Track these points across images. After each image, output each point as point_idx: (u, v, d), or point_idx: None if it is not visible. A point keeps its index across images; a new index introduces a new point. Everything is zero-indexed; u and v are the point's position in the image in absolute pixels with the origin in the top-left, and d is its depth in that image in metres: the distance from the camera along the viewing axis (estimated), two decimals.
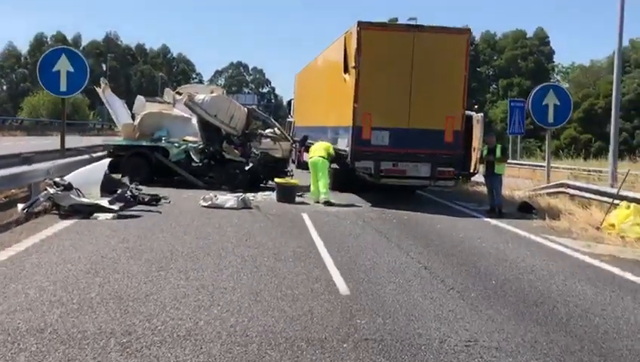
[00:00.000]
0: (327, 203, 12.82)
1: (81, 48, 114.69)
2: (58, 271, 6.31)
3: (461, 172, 18.08)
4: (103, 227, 8.97)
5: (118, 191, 11.03)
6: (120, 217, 9.84)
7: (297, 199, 13.34)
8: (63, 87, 14.17)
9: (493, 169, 13.02)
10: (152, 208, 11.06)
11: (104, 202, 9.93)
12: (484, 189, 16.34)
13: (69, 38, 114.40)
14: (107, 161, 10.78)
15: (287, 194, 13.10)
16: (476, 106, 20.99)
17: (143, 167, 15.04)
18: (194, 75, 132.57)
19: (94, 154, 14.64)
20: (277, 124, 16.34)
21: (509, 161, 33.24)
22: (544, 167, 27.02)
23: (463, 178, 18.63)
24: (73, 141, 20.60)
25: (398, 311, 5.57)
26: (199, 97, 15.02)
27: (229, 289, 5.96)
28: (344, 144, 14.22)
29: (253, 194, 13.89)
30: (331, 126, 15.96)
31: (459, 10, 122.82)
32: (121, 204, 10.11)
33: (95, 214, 9.74)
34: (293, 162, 25.25)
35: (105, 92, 17.50)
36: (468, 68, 13.66)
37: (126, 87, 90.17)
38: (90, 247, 7.57)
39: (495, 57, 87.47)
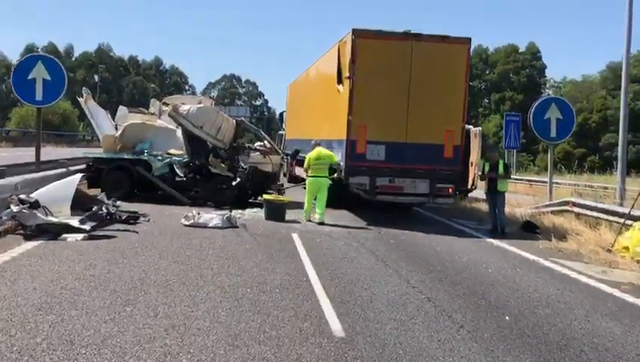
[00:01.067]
0: (321, 223, 12.00)
1: (73, 59, 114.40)
2: (4, 306, 5.41)
3: (460, 189, 17.45)
4: (70, 250, 8.08)
5: (93, 209, 10.17)
6: (92, 238, 8.95)
7: (288, 217, 12.51)
8: (39, 96, 13.30)
9: (496, 186, 12.25)
10: (129, 227, 10.18)
11: (74, 221, 9.04)
12: (482, 206, 15.64)
13: (61, 49, 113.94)
14: (79, 176, 9.92)
15: (277, 212, 12.26)
16: (474, 120, 20.18)
17: (124, 182, 14.17)
18: (187, 87, 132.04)
19: (72, 168, 13.70)
20: (267, 136, 15.52)
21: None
22: (542, 182, 26.58)
23: (461, 194, 17.92)
24: (59, 153, 19.63)
25: (401, 358, 4.73)
26: (184, 108, 14.19)
27: (204, 330, 5.10)
28: (337, 158, 13.40)
29: (240, 211, 13.06)
30: (324, 139, 15.08)
31: (450, 24, 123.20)
32: (93, 224, 9.22)
33: (64, 235, 8.85)
34: (285, 175, 24.48)
35: (87, 102, 16.63)
36: (468, 79, 12.93)
37: (118, 99, 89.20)
38: (50, 275, 6.68)
39: (487, 71, 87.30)
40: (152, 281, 6.67)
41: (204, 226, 10.70)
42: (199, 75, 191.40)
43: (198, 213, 11.31)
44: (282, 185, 15.60)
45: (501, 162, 12.53)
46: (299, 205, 15.08)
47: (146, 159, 14.26)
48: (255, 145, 15.36)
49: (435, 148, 12.73)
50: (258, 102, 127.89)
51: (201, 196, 14.19)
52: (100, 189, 14.23)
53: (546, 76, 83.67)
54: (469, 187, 18.17)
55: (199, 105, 14.35)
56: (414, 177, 12.83)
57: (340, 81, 13.35)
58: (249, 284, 6.79)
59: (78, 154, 18.90)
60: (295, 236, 10.34)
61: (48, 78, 13.29)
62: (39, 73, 13.27)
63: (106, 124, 16.54)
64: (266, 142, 15.16)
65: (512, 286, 7.54)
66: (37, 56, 13.35)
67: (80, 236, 8.87)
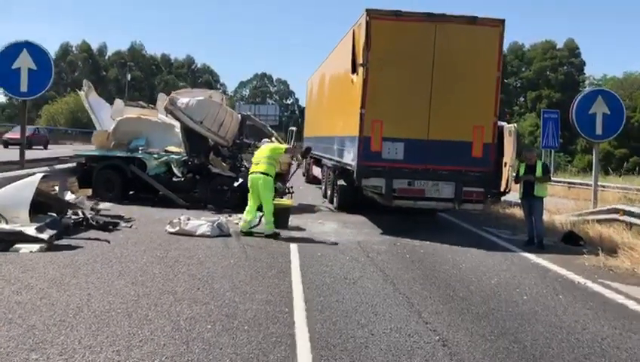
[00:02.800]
0: (270, 236, 9.68)
1: (106, 58, 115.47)
2: None
3: (491, 192, 15.73)
4: (12, 265, 6.74)
5: (58, 215, 8.85)
6: (51, 249, 7.63)
7: (295, 222, 11.04)
8: (24, 88, 12.15)
9: (533, 190, 10.51)
10: (103, 235, 8.84)
11: (30, 229, 7.69)
12: (518, 212, 13.90)
13: (94, 47, 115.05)
14: (38, 176, 8.60)
15: (278, 218, 10.73)
16: (508, 116, 18.37)
17: (116, 182, 12.92)
18: (218, 86, 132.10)
19: (58, 166, 12.47)
20: (274, 133, 14.04)
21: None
22: (583, 185, 24.50)
23: (494, 198, 16.18)
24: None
25: None
26: (182, 101, 12.82)
27: None
28: (350, 157, 11.86)
29: (240, 215, 11.60)
30: (338, 136, 13.63)
31: None
32: (53, 232, 7.86)
33: (17, 245, 7.54)
34: (304, 175, 23.03)
35: (88, 95, 15.45)
36: (501, 67, 11.21)
37: (150, 97, 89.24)
38: None
39: (523, 69, 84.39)
40: (89, 312, 5.25)
41: (191, 234, 9.30)
42: (231, 74, 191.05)
43: (188, 219, 9.91)
44: (291, 186, 14.11)
45: (539, 163, 10.78)
46: (308, 209, 13.66)
47: (141, 157, 12.96)
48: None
49: (461, 147, 11.07)
50: (289, 101, 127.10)
51: (201, 198, 12.84)
52: (90, 190, 13.15)
53: (585, 73, 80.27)
54: (502, 190, 16.48)
55: (199, 98, 12.95)
56: (437, 179, 11.19)
57: (354, 70, 11.77)
58: (213, 317, 5.31)
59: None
60: (293, 248, 8.84)
61: (34, 67, 12.12)
62: (24, 62, 12.13)
63: (108, 120, 15.30)
64: (273, 139, 13.66)
65: (553, 322, 5.88)
66: (21, 43, 12.06)
67: (36, 247, 7.55)
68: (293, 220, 11.44)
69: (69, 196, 12.80)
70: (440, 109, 10.97)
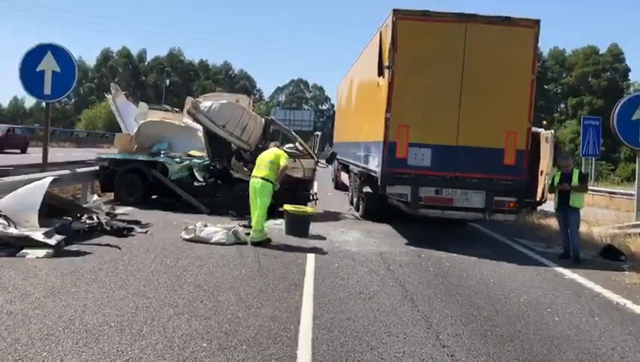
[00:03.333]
0: (256, 243, 9.14)
1: (145, 63, 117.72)
2: None
3: (526, 201, 15.03)
4: (15, 271, 6.51)
5: (69, 219, 8.64)
6: (58, 255, 7.40)
7: (318, 230, 10.65)
8: (48, 90, 12.03)
9: (569, 201, 9.84)
10: (115, 241, 8.57)
11: (37, 234, 7.47)
12: (553, 222, 13.18)
13: (134, 53, 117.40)
14: (48, 179, 8.37)
15: (298, 226, 10.37)
16: (545, 123, 17.62)
17: (138, 186, 12.72)
18: (255, 91, 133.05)
19: (79, 170, 12.34)
20: (299, 137, 13.65)
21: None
22: (626, 195, 23.35)
23: (528, 208, 15.47)
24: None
25: None
26: (205, 104, 12.55)
27: None
28: (375, 164, 11.39)
29: None
30: (364, 141, 13.17)
31: None
32: (62, 238, 7.62)
33: (24, 250, 7.33)
34: (334, 180, 22.60)
35: (116, 98, 15.36)
36: (535, 70, 10.58)
37: None
38: None
39: (564, 75, 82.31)
40: (81, 325, 4.93)
41: (206, 242, 8.97)
42: (268, 80, 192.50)
43: (205, 226, 9.61)
44: (315, 193, 13.69)
45: (576, 171, 10.10)
46: (332, 217, 13.24)
47: (162, 161, 12.74)
48: (284, 147, 13.51)
49: (493, 154, 10.47)
50: (324, 107, 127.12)
51: (223, 204, 12.54)
52: (112, 194, 13.02)
53: (629, 80, 77.71)
54: (538, 200, 15.76)
55: (222, 102, 12.67)
56: (467, 188, 10.61)
57: (380, 72, 11.30)
58: (211, 334, 4.94)
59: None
60: (310, 258, 8.42)
61: (58, 70, 12.01)
62: (49, 65, 12.02)
63: (133, 123, 15.19)
64: (297, 144, 13.29)
65: (587, 349, 5.31)
66: (46, 45, 11.99)
67: (43, 252, 7.32)
68: (315, 228, 11.03)
69: (96, 199, 12.74)
70: (470, 114, 10.41)
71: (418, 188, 10.57)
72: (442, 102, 10.47)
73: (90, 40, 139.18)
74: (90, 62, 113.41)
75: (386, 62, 10.63)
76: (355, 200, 14.93)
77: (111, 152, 13.82)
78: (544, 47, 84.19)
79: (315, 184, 22.81)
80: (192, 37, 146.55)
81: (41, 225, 8.01)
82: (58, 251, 7.47)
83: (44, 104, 13.07)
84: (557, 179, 10.10)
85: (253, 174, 9.67)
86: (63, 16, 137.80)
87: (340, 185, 20.69)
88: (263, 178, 9.43)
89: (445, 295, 6.92)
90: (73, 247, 7.92)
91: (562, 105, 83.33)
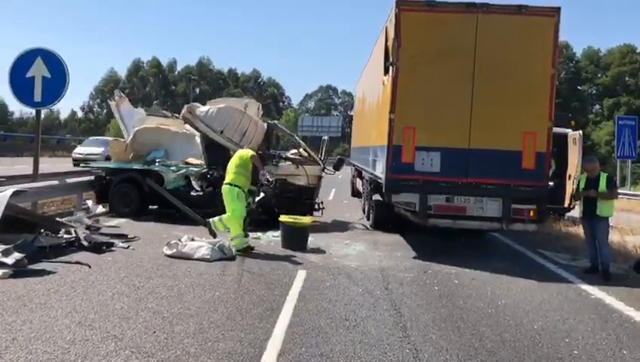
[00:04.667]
0: (240, 252, 8.73)
1: (175, 73, 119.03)
2: None
3: (553, 207, 13.93)
4: None
5: (63, 233, 7.97)
6: (18, 274, 6.70)
7: (319, 242, 9.81)
8: (38, 97, 11.50)
9: (596, 209, 8.76)
10: (92, 257, 7.90)
11: None
12: (581, 230, 12.02)
13: (164, 63, 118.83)
14: (8, 192, 7.73)
15: (295, 238, 9.52)
16: (573, 123, 16.44)
17: (133, 196, 12.04)
18: (283, 99, 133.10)
19: (69, 180, 11.73)
20: (303, 143, 12.82)
21: (622, 192, 28.06)
22: None
23: (555, 215, 14.38)
24: None
25: None
26: (202, 109, 11.85)
27: None
28: (380, 170, 10.48)
29: (259, 233, 10.52)
30: (372, 146, 12.26)
31: None
32: (21, 256, 6.91)
33: None
34: (352, 185, 21.65)
35: (120, 105, 14.80)
36: (556, 63, 9.54)
37: None
38: None
39: (599, 75, 79.81)
40: None
41: (188, 258, 8.19)
42: (296, 87, 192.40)
43: (192, 239, 8.87)
44: (321, 202, 12.81)
45: (603, 176, 8.98)
46: (340, 227, 12.37)
47: (158, 170, 12.04)
48: (288, 153, 12.71)
49: (509, 157, 9.47)
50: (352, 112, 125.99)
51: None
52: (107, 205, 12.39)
53: None
54: (565, 205, 14.64)
55: (219, 106, 11.94)
56: (481, 195, 9.62)
57: (386, 71, 10.41)
58: None
59: None
60: (300, 276, 7.55)
61: (48, 75, 11.47)
62: (38, 70, 11.51)
63: None
64: (301, 149, 12.46)
65: None
66: (36, 50, 11.45)
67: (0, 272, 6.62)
68: (317, 240, 10.22)
69: (99, 209, 12.16)
70: (483, 114, 9.43)
71: (427, 196, 9.62)
72: (452, 101, 9.52)
73: (122, 51, 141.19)
74: (122, 72, 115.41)
75: (390, 59, 9.73)
76: (366, 208, 14.03)
77: (106, 161, 13.17)
78: (577, 47, 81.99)
79: (333, 191, 22.08)
80: (220, 46, 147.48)
81: (9, 242, 7.37)
82: (18, 270, 6.77)
83: (33, 112, 12.55)
84: (582, 185, 9.03)
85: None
86: (95, 29, 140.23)
87: (355, 193, 19.79)
88: (228, 183, 8.95)
89: (446, 321, 5.96)
90: (40, 266, 7.22)
91: (597, 107, 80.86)
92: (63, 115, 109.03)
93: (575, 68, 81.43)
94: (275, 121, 13.62)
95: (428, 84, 9.48)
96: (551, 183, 15.32)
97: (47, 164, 22.37)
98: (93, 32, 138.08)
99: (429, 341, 5.30)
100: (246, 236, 9.17)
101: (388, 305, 6.47)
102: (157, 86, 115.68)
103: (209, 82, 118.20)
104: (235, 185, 8.92)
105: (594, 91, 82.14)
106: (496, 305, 6.70)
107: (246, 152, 9.26)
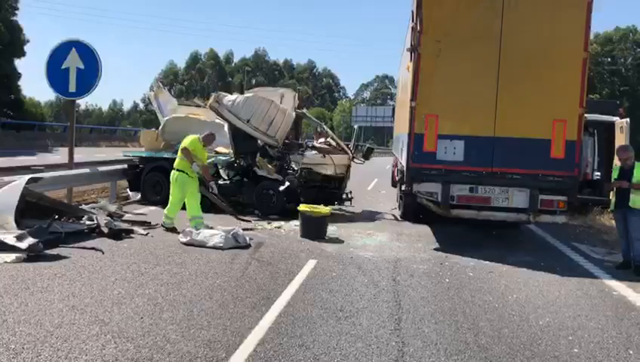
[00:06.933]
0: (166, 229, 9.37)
1: (232, 65, 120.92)
2: None
3: (597, 199, 13.31)
4: None
5: (85, 220, 8.20)
6: (33, 258, 6.91)
7: (342, 233, 9.70)
8: (72, 88, 11.77)
9: (628, 200, 8.25)
10: (109, 243, 8.08)
11: (8, 237, 7.02)
12: None
13: (221, 55, 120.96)
14: (24, 179, 7.96)
15: (313, 228, 9.44)
16: (621, 110, 15.60)
17: (164, 184, 12.21)
18: (339, 89, 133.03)
19: (101, 168, 12.05)
20: (331, 132, 12.67)
21: None
22: None
23: (599, 207, 13.72)
24: None
25: None
26: (229, 98, 11.89)
27: None
28: (404, 159, 10.24)
29: (281, 222, 10.53)
30: (401, 134, 12.00)
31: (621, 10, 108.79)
32: (35, 241, 7.11)
33: None
34: (392, 175, 21.34)
35: (159, 96, 15.05)
36: (588, 45, 9.02)
37: None
38: None
39: None
40: None
41: (202, 246, 8.25)
42: (352, 77, 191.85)
43: (210, 228, 8.96)
44: (350, 191, 12.65)
45: (638, 165, 8.44)
46: (369, 217, 12.21)
47: None
48: (315, 142, 12.60)
49: (537, 145, 9.04)
50: None
51: (247, 203, 11.82)
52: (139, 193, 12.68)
53: None
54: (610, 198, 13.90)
55: (247, 95, 11.95)
56: (507, 185, 9.24)
57: (411, 57, 10.12)
58: None
59: None
60: (309, 265, 7.47)
61: (82, 66, 11.76)
62: (73, 62, 11.77)
63: None
64: (329, 138, 12.32)
65: None
66: (70, 42, 11.77)
67: (13, 256, 6.85)
68: (342, 229, 10.13)
69: (138, 196, 12.50)
70: (510, 100, 9.04)
71: (450, 186, 9.33)
72: (477, 88, 9.17)
73: (181, 43, 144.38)
74: (181, 64, 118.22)
75: (413, 43, 9.45)
76: (398, 198, 13.77)
77: (139, 150, 13.43)
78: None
79: (374, 181, 21.86)
80: (277, 37, 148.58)
81: (26, 227, 7.62)
82: (32, 255, 6.98)
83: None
84: (615, 175, 8.52)
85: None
86: (150, 21, 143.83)
87: (394, 183, 19.48)
88: (174, 168, 9.56)
89: (445, 314, 5.74)
90: (55, 251, 7.42)
91: None
92: (126, 106, 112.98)
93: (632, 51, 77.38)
94: (305, 111, 13.52)
95: (451, 70, 9.16)
96: (597, 174, 14.73)
97: (103, 154, 23.17)
98: (153, 26, 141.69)
99: (420, 334, 5.11)
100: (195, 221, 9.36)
101: (389, 296, 6.30)
102: (214, 78, 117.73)
103: (265, 73, 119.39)
104: (178, 170, 9.42)
105: None
106: (505, 300, 6.41)
107: (191, 136, 9.72)
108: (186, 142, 9.55)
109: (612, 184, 8.46)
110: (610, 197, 13.17)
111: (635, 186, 8.18)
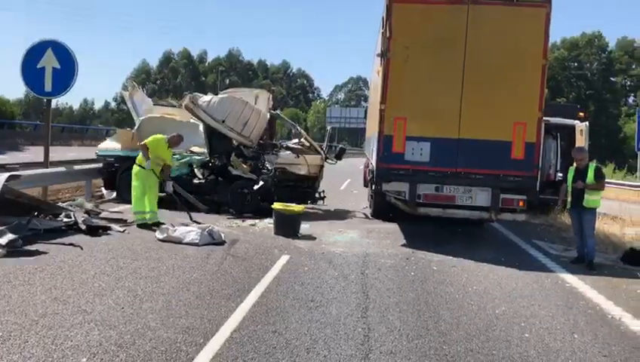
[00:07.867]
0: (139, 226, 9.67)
1: (206, 64, 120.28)
2: None
3: (557, 198, 13.88)
4: None
5: (62, 217, 8.40)
6: (11, 254, 7.11)
7: (317, 230, 10.03)
8: (48, 87, 11.97)
9: (582, 200, 8.79)
10: (87, 239, 8.28)
11: None
12: None
13: (195, 54, 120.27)
14: (4, 177, 8.15)
15: (287, 225, 9.77)
16: (581, 114, 16.28)
17: None
18: (313, 90, 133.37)
19: (78, 167, 12.20)
20: (304, 132, 13.04)
21: (632, 184, 27.49)
22: None
23: (558, 206, 14.30)
24: None
25: None
26: (204, 99, 12.17)
27: None
28: (373, 159, 10.65)
29: (255, 220, 10.84)
30: (372, 135, 12.42)
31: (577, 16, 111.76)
32: (14, 237, 7.32)
33: None
34: (364, 175, 21.77)
35: (133, 95, 15.19)
36: (547, 54, 9.55)
37: None
38: None
39: (633, 66, 77.82)
40: None
41: (178, 242, 8.53)
42: (326, 78, 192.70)
43: (185, 225, 9.24)
44: (323, 191, 13.03)
45: (592, 166, 9.00)
46: (340, 216, 12.60)
47: None
48: (290, 142, 12.96)
49: (499, 147, 9.54)
50: None
51: (221, 202, 12.09)
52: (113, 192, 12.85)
53: None
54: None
55: (221, 96, 12.24)
56: (470, 185, 9.73)
57: (381, 61, 10.54)
58: (101, 348, 4.43)
59: None
60: (282, 261, 7.81)
61: (58, 66, 11.93)
62: (49, 61, 11.96)
63: None
64: (302, 139, 12.69)
65: None
66: (47, 42, 11.91)
67: None
68: (315, 227, 10.48)
69: (113, 195, 12.65)
70: (473, 104, 9.52)
71: (416, 185, 9.78)
72: (443, 92, 9.63)
73: (153, 42, 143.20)
74: (153, 63, 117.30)
75: (383, 49, 9.87)
76: (369, 197, 14.20)
77: (113, 149, 13.58)
78: (611, 38, 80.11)
79: (347, 181, 22.28)
80: (250, 36, 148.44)
81: (4, 224, 7.79)
82: (10, 251, 7.18)
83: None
84: (570, 176, 9.06)
85: None
86: (121, 19, 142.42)
87: (366, 183, 19.92)
88: (135, 163, 10.09)
89: (409, 304, 6.14)
90: (34, 246, 7.63)
91: (631, 99, 78.91)
92: (97, 105, 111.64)
93: (608, 59, 79.56)
94: (278, 112, 13.86)
95: (419, 75, 9.60)
96: (560, 175, 15.35)
97: (74, 153, 23.13)
98: (127, 24, 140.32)
99: (385, 321, 5.50)
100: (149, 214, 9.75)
101: (358, 288, 6.69)
102: (187, 77, 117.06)
103: (239, 73, 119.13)
104: (138, 164, 9.96)
105: (628, 83, 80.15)
106: (465, 291, 6.85)
107: (153, 136, 10.23)
108: (148, 139, 10.01)
109: (567, 186, 8.97)
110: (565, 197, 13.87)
111: (589, 187, 8.73)
